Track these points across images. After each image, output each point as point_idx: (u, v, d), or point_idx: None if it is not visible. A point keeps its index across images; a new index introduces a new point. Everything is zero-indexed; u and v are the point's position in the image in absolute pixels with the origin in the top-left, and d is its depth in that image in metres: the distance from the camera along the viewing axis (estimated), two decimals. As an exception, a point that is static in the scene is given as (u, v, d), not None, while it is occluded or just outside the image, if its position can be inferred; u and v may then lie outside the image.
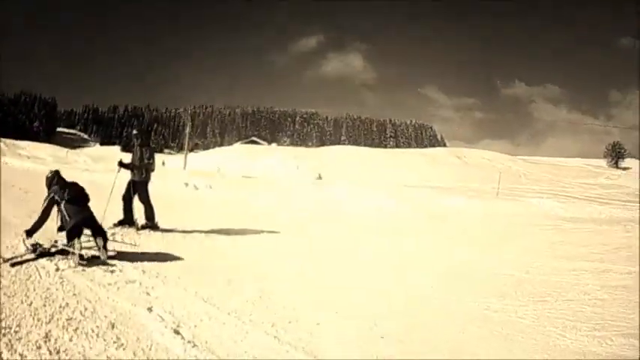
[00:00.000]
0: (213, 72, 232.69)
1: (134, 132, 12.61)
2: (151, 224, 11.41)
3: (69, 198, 8.36)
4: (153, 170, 11.81)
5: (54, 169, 9.08)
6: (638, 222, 17.75)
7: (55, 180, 8.67)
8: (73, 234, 8.07)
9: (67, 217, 8.27)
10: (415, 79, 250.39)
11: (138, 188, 11.48)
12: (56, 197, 8.39)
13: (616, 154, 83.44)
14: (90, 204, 8.81)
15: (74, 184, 8.77)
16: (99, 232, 8.44)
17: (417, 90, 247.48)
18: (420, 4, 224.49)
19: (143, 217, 11.45)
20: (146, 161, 11.58)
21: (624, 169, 76.50)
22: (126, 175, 11.59)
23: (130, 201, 11.37)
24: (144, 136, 12.25)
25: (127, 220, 11.25)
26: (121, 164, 11.56)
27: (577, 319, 6.51)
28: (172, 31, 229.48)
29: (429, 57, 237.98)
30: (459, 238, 14.05)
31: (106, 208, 10.57)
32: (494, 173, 45.51)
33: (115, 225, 11.03)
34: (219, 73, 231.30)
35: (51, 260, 7.65)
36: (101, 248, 8.12)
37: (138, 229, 11.11)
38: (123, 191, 11.42)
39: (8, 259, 7.43)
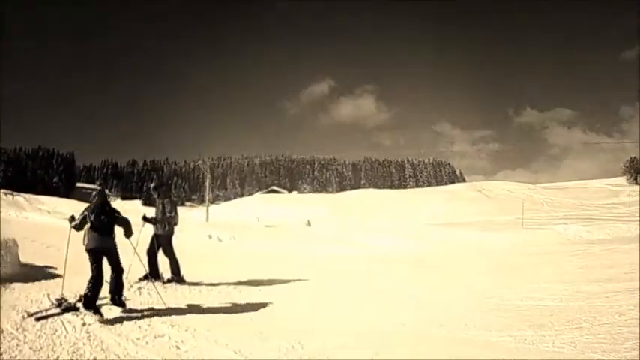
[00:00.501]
0: (228, 123, 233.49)
1: (152, 186, 12.68)
2: (177, 278, 11.35)
3: (92, 222, 8.32)
4: (176, 224, 11.79)
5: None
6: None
7: (95, 198, 8.66)
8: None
9: (85, 240, 8.32)
10: (428, 117, 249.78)
11: (162, 242, 11.45)
12: (86, 214, 8.37)
13: (634, 170, 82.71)
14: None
15: (111, 211, 8.70)
16: (115, 268, 8.49)
17: (431, 127, 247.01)
18: (422, 39, 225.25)
19: (169, 270, 11.38)
20: (168, 215, 11.57)
21: None
22: (149, 230, 11.59)
23: (155, 255, 11.32)
24: (164, 189, 12.26)
25: (153, 274, 11.10)
26: (145, 218, 11.59)
27: (615, 342, 6.40)
28: (184, 85, 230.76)
29: (438, 93, 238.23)
30: (488, 272, 13.93)
31: (132, 262, 10.57)
32: (516, 204, 45.29)
33: (141, 279, 10.94)
34: (233, 124, 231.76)
35: (77, 315, 7.60)
36: (114, 290, 8.34)
37: (164, 282, 11.05)
38: (147, 245, 11.37)
39: (33, 314, 7.39)
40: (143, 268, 10.87)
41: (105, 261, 8.36)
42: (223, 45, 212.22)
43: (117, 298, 8.42)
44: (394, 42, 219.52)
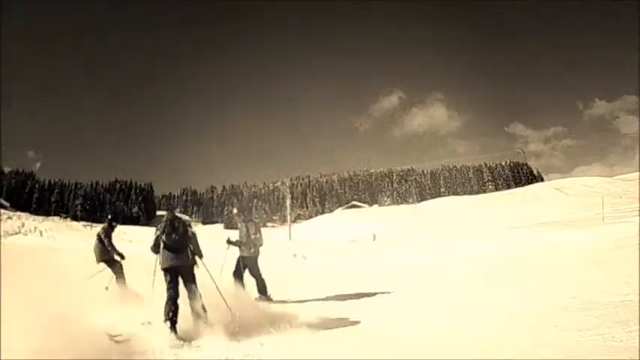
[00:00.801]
0: (303, 145, 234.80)
1: (235, 211, 12.77)
2: (265, 297, 11.44)
3: (164, 241, 8.42)
4: (261, 245, 11.86)
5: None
6: None
7: (167, 219, 8.68)
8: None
9: (160, 259, 8.47)
10: (500, 120, 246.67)
11: (248, 263, 11.56)
12: (158, 234, 8.50)
13: None
14: (198, 282, 8.88)
15: (182, 226, 8.73)
16: (188, 288, 8.44)
17: (504, 129, 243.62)
18: (485, 39, 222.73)
19: (255, 291, 11.48)
20: (253, 236, 11.65)
21: None
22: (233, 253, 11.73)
23: (241, 277, 11.43)
24: (246, 212, 12.36)
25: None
26: (229, 241, 11.74)
27: None
28: (258, 107, 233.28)
29: (508, 94, 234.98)
30: (572, 270, 13.65)
31: (217, 285, 10.75)
32: (595, 199, 44.48)
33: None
34: (308, 146, 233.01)
35: (161, 338, 7.65)
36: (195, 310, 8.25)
37: (256, 299, 11.15)
38: (233, 268, 11.54)
39: (115, 336, 7.54)
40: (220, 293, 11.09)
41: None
42: (292, 68, 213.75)
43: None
44: (457, 50, 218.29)
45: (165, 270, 8.39)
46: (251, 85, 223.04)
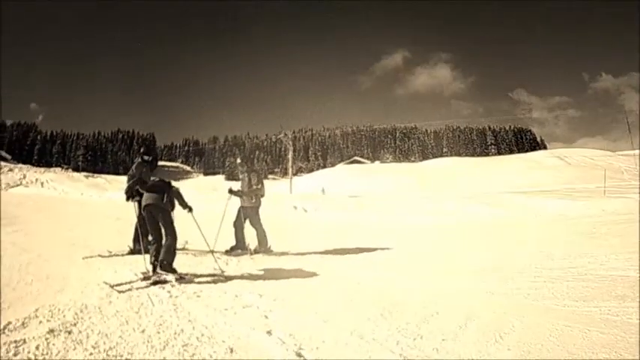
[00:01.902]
0: (306, 97, 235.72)
1: (238, 161, 12.64)
2: (265, 248, 11.45)
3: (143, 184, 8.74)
4: (263, 195, 11.91)
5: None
6: None
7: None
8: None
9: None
10: (504, 85, 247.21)
11: (249, 214, 11.59)
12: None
13: None
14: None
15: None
16: (167, 230, 8.50)
17: (507, 95, 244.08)
18: (494, 5, 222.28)
19: (255, 241, 11.50)
20: (255, 187, 11.67)
21: None
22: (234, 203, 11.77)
23: (242, 227, 11.44)
24: (248, 163, 12.29)
25: (240, 246, 11.32)
26: (231, 191, 11.76)
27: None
28: (260, 60, 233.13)
29: (513, 61, 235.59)
30: (571, 240, 13.57)
31: (217, 234, 10.67)
32: (597, 172, 44.69)
33: (228, 251, 11.15)
34: (311, 97, 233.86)
35: (163, 287, 7.70)
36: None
37: (251, 253, 11.15)
38: (234, 218, 11.54)
39: (117, 285, 7.50)
40: (229, 240, 11.07)
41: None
42: (300, 21, 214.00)
43: (166, 265, 8.25)
44: (467, 9, 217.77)
45: (145, 208, 8.53)
46: (257, 40, 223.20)
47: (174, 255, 8.29)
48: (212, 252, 9.79)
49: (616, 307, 6.64)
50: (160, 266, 8.04)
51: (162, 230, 8.46)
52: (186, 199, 8.97)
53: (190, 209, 8.98)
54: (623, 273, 8.78)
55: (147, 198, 8.48)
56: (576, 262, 9.94)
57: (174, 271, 8.07)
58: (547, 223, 18.72)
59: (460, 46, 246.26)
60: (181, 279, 8.11)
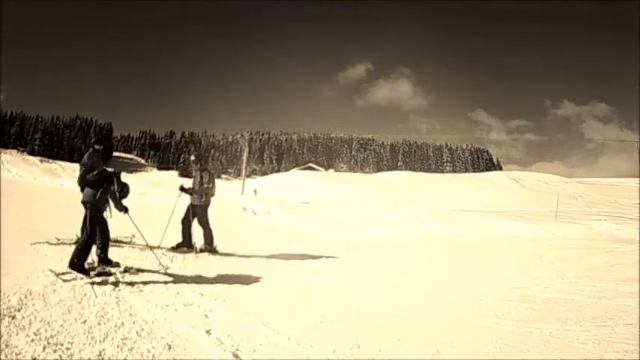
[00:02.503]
0: (266, 100, 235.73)
1: (192, 158, 12.66)
2: (210, 248, 11.44)
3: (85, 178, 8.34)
4: (213, 195, 11.89)
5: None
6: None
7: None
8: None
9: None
10: (464, 104, 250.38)
11: (197, 212, 11.56)
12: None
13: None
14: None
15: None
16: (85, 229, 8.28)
17: (467, 114, 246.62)
18: (461, 25, 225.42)
19: (202, 240, 11.49)
20: (206, 186, 11.66)
21: None
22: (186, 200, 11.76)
23: (189, 225, 11.42)
24: (202, 161, 12.29)
25: (186, 244, 11.30)
26: (182, 189, 11.76)
27: (638, 343, 6.23)
28: (225, 59, 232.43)
29: (475, 81, 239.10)
30: (518, 262, 13.77)
31: (165, 230, 10.70)
32: (551, 196, 45.22)
33: (174, 248, 11.12)
34: (270, 102, 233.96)
35: (107, 280, 7.72)
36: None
37: (196, 252, 11.16)
38: (182, 215, 11.53)
39: (60, 274, 7.50)
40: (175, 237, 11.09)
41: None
42: (264, 27, 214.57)
43: (73, 262, 7.91)
44: (432, 28, 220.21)
45: (83, 204, 8.32)
46: (220, 36, 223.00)
47: (86, 253, 7.96)
48: (155, 248, 9.87)
49: (557, 329, 6.80)
50: (69, 264, 7.83)
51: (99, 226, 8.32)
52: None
53: (125, 210, 8.62)
54: (568, 297, 8.99)
55: (84, 194, 8.29)
56: (522, 284, 10.12)
57: (83, 272, 7.77)
58: (498, 244, 18.92)
59: (423, 63, 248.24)
60: (125, 272, 8.16)
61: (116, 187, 8.37)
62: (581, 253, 15.61)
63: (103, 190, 8.18)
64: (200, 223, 11.58)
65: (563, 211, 35.24)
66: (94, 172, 8.24)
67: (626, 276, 11.26)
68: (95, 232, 8.14)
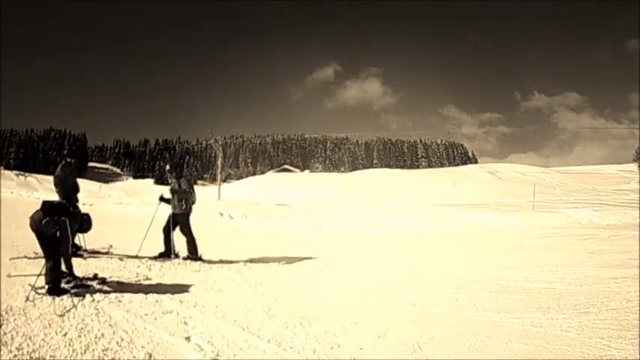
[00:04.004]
0: (238, 104, 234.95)
1: (167, 167, 12.68)
2: (194, 256, 11.38)
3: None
4: (194, 202, 11.82)
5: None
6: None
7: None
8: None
9: None
10: (435, 101, 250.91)
11: (179, 220, 11.50)
12: None
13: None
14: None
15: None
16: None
17: (438, 111, 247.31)
18: (427, 22, 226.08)
19: (184, 249, 11.45)
20: (185, 193, 11.59)
21: None
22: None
23: (170, 233, 11.37)
24: (178, 169, 12.23)
25: (168, 253, 11.27)
26: (162, 198, 11.75)
27: (622, 328, 6.34)
28: (195, 66, 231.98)
29: (444, 77, 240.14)
30: (497, 254, 13.81)
31: (143, 240, 10.74)
32: (527, 186, 45.28)
33: (156, 257, 11.10)
34: (242, 106, 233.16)
35: (86, 291, 7.74)
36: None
37: (181, 260, 11.13)
38: (164, 224, 11.48)
39: (39, 288, 7.49)
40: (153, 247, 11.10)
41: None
42: (232, 33, 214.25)
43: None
44: (398, 26, 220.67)
45: None
46: (189, 42, 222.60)
47: (57, 273, 7.71)
48: (133, 257, 9.90)
49: (539, 318, 6.92)
50: (47, 291, 7.58)
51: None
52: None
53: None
54: (548, 285, 9.08)
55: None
56: (500, 275, 10.24)
57: (63, 292, 7.71)
58: (475, 236, 18.92)
59: (391, 62, 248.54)
60: (104, 283, 8.19)
61: (72, 224, 8.06)
62: (560, 241, 15.71)
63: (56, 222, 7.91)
64: (182, 231, 11.51)
65: (540, 200, 35.25)
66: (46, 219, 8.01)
67: (607, 262, 11.40)
68: (55, 253, 8.01)
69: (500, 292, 8.67)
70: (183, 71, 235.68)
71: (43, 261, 8.34)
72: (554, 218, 23.86)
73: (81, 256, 10.22)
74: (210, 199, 43.52)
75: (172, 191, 11.68)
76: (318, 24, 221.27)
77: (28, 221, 7.92)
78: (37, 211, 7.89)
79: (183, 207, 11.57)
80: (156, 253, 11.24)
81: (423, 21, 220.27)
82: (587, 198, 42.00)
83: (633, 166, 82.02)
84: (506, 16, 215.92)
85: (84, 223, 8.59)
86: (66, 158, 10.76)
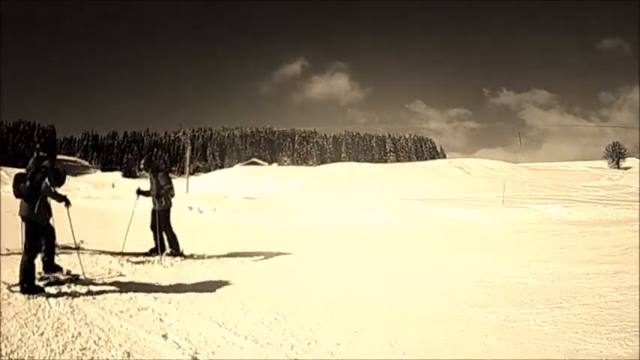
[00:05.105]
0: (205, 97, 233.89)
1: (142, 162, 12.54)
2: (176, 252, 11.38)
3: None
4: (173, 195, 11.85)
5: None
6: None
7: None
8: None
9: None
10: (402, 96, 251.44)
11: (160, 217, 11.47)
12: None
13: (616, 155, 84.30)
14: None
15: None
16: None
17: (404, 106, 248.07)
18: (394, 19, 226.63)
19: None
20: (166, 188, 11.62)
21: (625, 169, 77.17)
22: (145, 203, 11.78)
23: (157, 230, 11.39)
24: (152, 165, 12.07)
25: (157, 249, 11.27)
26: (140, 191, 11.83)
27: (596, 323, 6.44)
28: (164, 57, 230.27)
29: (411, 72, 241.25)
30: (469, 249, 13.87)
31: (126, 236, 10.74)
32: (497, 182, 45.49)
33: (148, 254, 11.21)
34: (210, 99, 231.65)
35: (59, 289, 7.74)
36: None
37: (163, 257, 11.09)
38: (143, 220, 11.54)
39: (12, 285, 7.50)
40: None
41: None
42: (201, 27, 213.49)
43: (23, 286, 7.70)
44: (366, 21, 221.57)
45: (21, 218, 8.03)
46: (157, 35, 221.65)
47: (31, 272, 7.65)
48: (105, 253, 9.83)
49: (513, 313, 7.01)
50: (21, 290, 7.44)
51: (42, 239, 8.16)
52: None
53: (67, 202, 8.27)
54: (521, 280, 9.20)
55: (21, 207, 8.00)
56: (474, 270, 10.32)
57: (37, 291, 7.51)
58: (445, 231, 18.95)
59: (358, 57, 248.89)
60: (76, 280, 8.14)
61: (48, 181, 7.99)
62: (530, 237, 15.84)
63: (40, 202, 7.87)
64: (162, 228, 11.48)
65: (510, 196, 35.29)
66: (26, 182, 7.95)
67: (578, 257, 11.54)
68: (36, 246, 7.90)
69: (474, 287, 8.75)
70: (150, 64, 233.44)
71: (16, 257, 8.27)
72: (524, 214, 23.97)
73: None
74: (178, 192, 43.21)
75: (151, 190, 11.73)
76: (285, 19, 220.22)
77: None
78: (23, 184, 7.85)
79: (164, 203, 11.58)
80: (136, 249, 11.29)
81: (389, 17, 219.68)
82: (556, 194, 42.24)
83: (603, 163, 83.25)
84: (474, 13, 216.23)
85: (59, 176, 8.46)
86: (39, 152, 10.65)
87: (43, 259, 8.28)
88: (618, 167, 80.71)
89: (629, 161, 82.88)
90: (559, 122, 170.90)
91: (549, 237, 15.59)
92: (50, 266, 8.42)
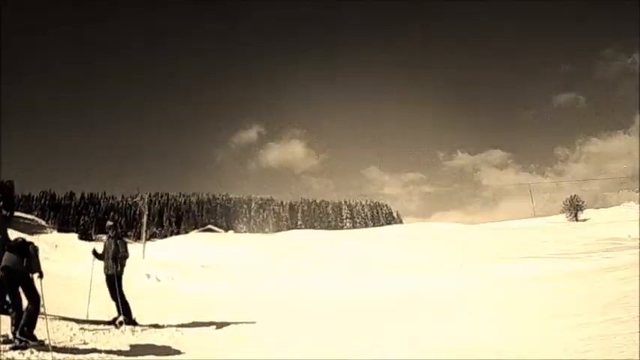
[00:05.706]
0: (162, 163, 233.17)
1: (109, 223, 12.64)
2: (129, 320, 11.31)
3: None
4: (127, 257, 11.89)
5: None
6: (607, 271, 18.15)
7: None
8: None
9: None
10: (356, 163, 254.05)
11: (113, 282, 11.45)
12: None
13: (574, 208, 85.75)
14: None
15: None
16: (30, 297, 8.34)
17: (359, 172, 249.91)
18: (347, 85, 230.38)
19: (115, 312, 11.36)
20: (122, 254, 11.68)
21: (583, 220, 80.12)
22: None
23: (117, 298, 11.37)
24: (117, 229, 12.25)
25: (123, 318, 11.23)
26: (96, 254, 11.78)
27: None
28: (122, 119, 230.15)
29: (365, 140, 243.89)
30: (424, 315, 13.94)
31: (88, 302, 10.80)
32: (453, 245, 45.84)
33: (110, 322, 11.17)
34: (166, 164, 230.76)
35: (23, 354, 7.76)
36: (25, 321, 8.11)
37: (117, 326, 10.99)
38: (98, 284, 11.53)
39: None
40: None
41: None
42: (158, 93, 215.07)
43: (25, 332, 8.14)
44: (319, 90, 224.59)
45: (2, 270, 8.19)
46: (120, 97, 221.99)
47: (35, 321, 8.15)
48: (66, 320, 9.90)
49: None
50: (20, 332, 7.91)
51: (23, 295, 8.31)
52: (42, 255, 8.78)
53: (40, 275, 8.46)
54: (487, 340, 9.23)
55: (6, 259, 8.17)
56: (434, 335, 10.45)
57: (33, 339, 7.98)
58: (402, 299, 18.69)
59: (314, 124, 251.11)
60: (41, 346, 8.18)
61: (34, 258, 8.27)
62: (485, 299, 16.10)
63: (26, 255, 8.16)
64: (113, 294, 11.46)
65: (465, 257, 35.68)
66: (14, 240, 8.19)
67: (541, 313, 11.71)
68: (37, 295, 8.23)
69: (435, 353, 8.87)
70: (112, 127, 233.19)
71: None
72: (480, 275, 24.20)
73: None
74: (134, 257, 42.97)
75: (107, 254, 11.74)
76: (241, 84, 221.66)
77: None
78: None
79: (118, 268, 11.59)
80: (97, 315, 11.32)
81: (343, 84, 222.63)
82: (511, 253, 42.70)
83: (560, 218, 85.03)
84: (431, 75, 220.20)
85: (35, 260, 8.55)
86: (1, 210, 10.77)
87: (12, 325, 8.29)
88: (577, 220, 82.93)
89: (586, 213, 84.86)
90: (515, 181, 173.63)
91: (509, 296, 16.01)
92: (30, 336, 8.42)
